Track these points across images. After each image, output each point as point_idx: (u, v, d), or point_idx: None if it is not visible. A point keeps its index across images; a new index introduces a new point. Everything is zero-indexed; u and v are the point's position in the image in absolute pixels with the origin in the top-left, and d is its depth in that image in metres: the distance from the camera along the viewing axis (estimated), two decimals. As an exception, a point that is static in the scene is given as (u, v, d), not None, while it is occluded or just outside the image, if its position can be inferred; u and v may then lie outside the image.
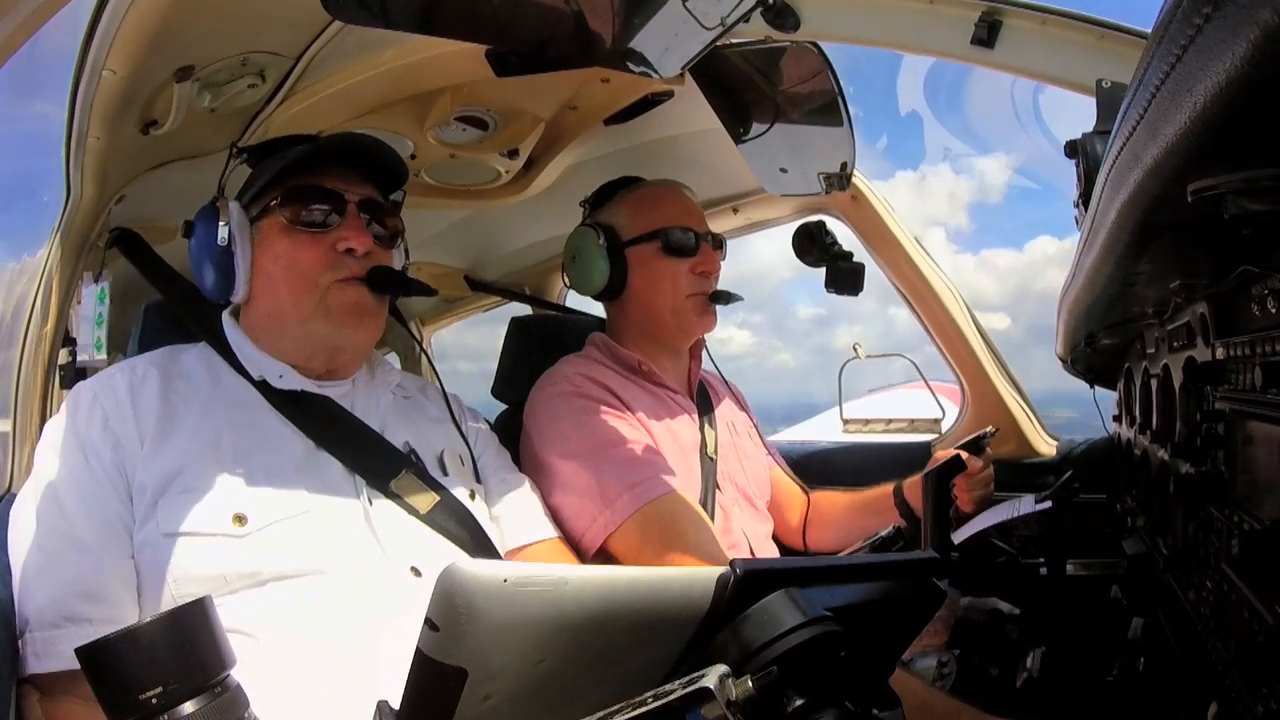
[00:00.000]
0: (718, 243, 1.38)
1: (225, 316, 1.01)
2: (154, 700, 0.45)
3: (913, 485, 1.37)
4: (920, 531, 1.18)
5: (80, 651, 0.46)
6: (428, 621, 0.38)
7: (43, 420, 1.09)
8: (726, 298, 1.37)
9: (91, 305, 1.12)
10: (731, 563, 0.42)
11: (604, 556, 1.15)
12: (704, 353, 1.47)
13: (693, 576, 0.42)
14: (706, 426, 1.39)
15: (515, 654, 0.39)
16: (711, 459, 1.35)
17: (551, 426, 1.23)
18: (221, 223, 0.94)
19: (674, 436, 1.30)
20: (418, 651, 0.38)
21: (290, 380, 0.96)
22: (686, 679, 0.39)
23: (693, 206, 1.40)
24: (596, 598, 0.40)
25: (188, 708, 0.46)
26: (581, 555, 1.15)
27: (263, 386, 0.96)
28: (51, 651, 0.76)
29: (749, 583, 0.42)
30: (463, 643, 0.38)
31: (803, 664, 0.41)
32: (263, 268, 0.96)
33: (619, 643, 0.41)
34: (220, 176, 1.01)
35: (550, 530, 1.12)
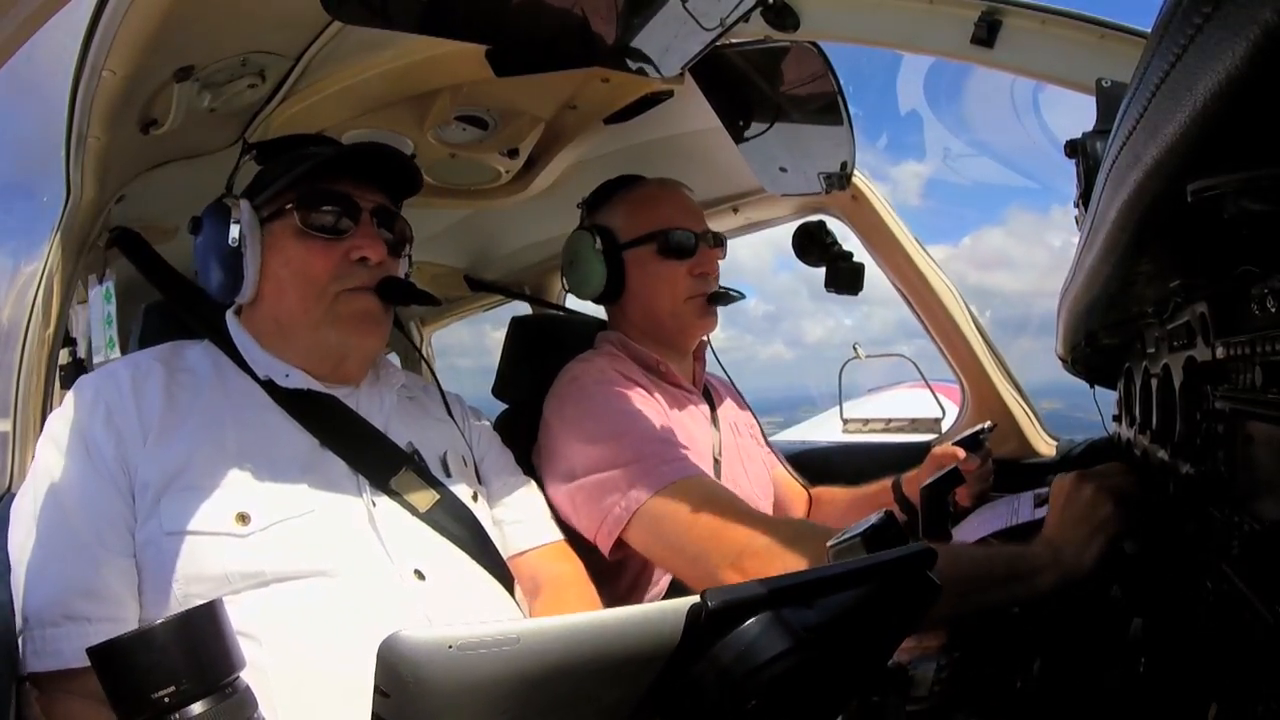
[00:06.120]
0: (717, 241, 1.37)
1: (229, 316, 1.01)
2: (165, 700, 0.46)
3: (911, 480, 1.37)
4: (917, 522, 1.17)
5: (93, 651, 0.47)
6: (377, 689, 0.38)
7: (43, 420, 1.08)
8: (726, 298, 1.36)
9: (100, 306, 1.12)
10: (703, 593, 0.41)
11: (645, 522, 1.07)
12: (708, 353, 1.46)
13: (661, 611, 0.41)
14: (712, 427, 1.39)
15: (473, 713, 0.38)
16: (716, 460, 1.35)
17: (587, 412, 1.19)
18: (233, 222, 0.92)
19: (691, 436, 1.29)
20: (374, 715, 0.38)
21: (297, 379, 0.96)
22: None
23: (691, 205, 1.39)
24: (554, 649, 0.39)
25: (197, 708, 0.47)
26: (609, 527, 1.09)
27: (268, 385, 0.95)
28: (51, 649, 0.76)
29: (723, 613, 0.41)
30: (415, 707, 0.37)
31: (787, 689, 0.41)
32: (272, 271, 0.95)
33: (584, 688, 0.40)
34: (230, 173, 1.00)
35: (554, 534, 1.11)
